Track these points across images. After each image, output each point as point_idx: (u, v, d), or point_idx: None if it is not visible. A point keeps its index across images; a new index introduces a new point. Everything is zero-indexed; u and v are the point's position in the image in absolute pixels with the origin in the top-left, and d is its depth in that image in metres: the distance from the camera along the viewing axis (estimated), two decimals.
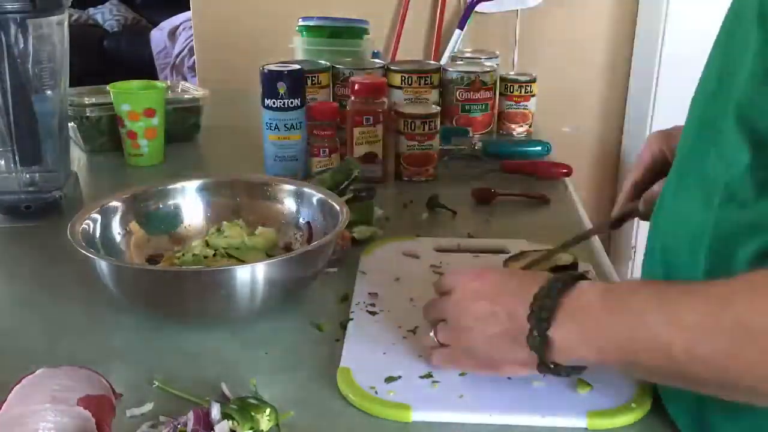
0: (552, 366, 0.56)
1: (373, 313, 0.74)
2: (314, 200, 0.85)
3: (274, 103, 1.10)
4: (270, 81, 1.10)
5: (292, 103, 1.10)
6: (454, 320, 0.61)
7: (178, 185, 0.88)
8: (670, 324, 0.48)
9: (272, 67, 1.11)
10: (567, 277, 0.56)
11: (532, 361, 0.56)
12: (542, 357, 0.55)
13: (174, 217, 0.87)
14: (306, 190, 0.87)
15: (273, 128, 1.11)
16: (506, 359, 0.59)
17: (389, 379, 0.63)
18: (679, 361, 0.48)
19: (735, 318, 0.45)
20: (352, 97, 1.13)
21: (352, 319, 0.73)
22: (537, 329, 0.54)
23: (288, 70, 1.10)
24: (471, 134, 1.32)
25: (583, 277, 0.57)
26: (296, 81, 1.11)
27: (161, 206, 0.87)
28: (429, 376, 0.63)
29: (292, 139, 1.12)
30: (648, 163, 0.78)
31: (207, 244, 0.84)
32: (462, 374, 0.64)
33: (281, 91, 1.10)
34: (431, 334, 0.64)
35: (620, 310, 0.52)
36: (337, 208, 0.80)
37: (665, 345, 0.48)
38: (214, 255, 0.82)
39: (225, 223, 0.86)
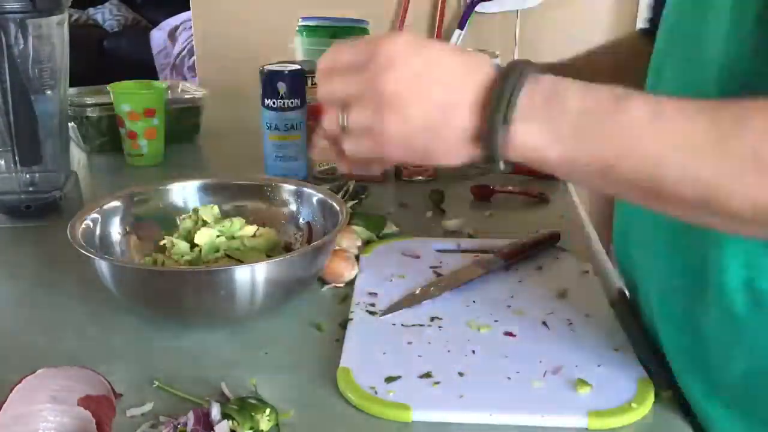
0: (497, 149, 0.47)
1: (373, 313, 0.74)
2: (314, 200, 0.85)
3: (274, 103, 1.10)
4: (270, 81, 1.10)
5: (292, 103, 1.10)
6: (379, 95, 0.47)
7: (179, 185, 0.88)
8: (667, 141, 0.43)
9: (272, 67, 1.11)
10: (525, 65, 0.48)
11: (477, 155, 0.48)
12: (495, 154, 0.47)
13: (174, 217, 0.87)
14: (306, 190, 0.87)
15: (273, 128, 1.11)
16: (444, 150, 0.49)
17: (389, 379, 0.63)
18: (666, 179, 0.43)
19: (748, 145, 0.41)
20: None
21: (351, 319, 0.73)
22: (493, 122, 0.46)
23: (288, 70, 1.10)
24: None
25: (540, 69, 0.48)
26: (296, 81, 1.11)
27: (161, 206, 0.87)
28: (429, 375, 0.63)
29: (292, 139, 1.12)
30: None
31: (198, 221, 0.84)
32: (461, 374, 0.64)
33: (281, 91, 1.09)
34: (336, 117, 0.49)
35: (604, 114, 0.45)
36: (337, 208, 0.80)
37: (656, 161, 0.43)
38: (217, 255, 0.82)
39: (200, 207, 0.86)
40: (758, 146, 0.41)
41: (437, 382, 0.63)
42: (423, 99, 0.47)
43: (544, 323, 0.72)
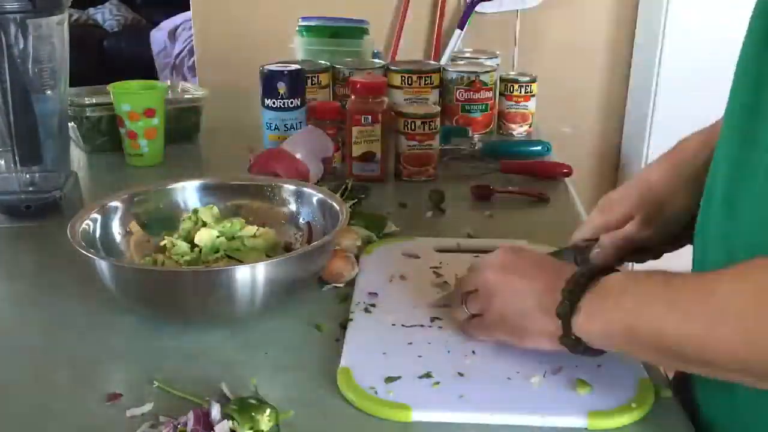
0: (574, 338, 0.59)
1: (373, 313, 0.74)
2: (314, 200, 0.85)
3: (273, 103, 1.10)
4: (270, 81, 1.10)
5: (291, 103, 1.10)
6: (488, 289, 0.66)
7: (179, 185, 0.88)
8: (667, 306, 0.53)
9: (272, 67, 1.11)
10: (601, 267, 0.61)
11: (557, 332, 0.60)
12: (567, 328, 0.59)
13: (174, 218, 0.87)
14: (306, 190, 0.87)
15: (273, 128, 1.11)
16: (534, 329, 0.62)
17: (389, 380, 0.63)
18: (669, 339, 0.53)
19: (715, 302, 0.50)
20: (352, 96, 1.13)
21: (352, 320, 0.72)
22: (568, 299, 0.59)
23: (288, 70, 1.10)
24: (471, 134, 1.32)
25: (614, 270, 0.60)
26: (296, 81, 1.11)
27: (161, 206, 0.87)
28: (429, 376, 0.63)
29: None
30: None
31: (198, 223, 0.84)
32: (461, 374, 0.63)
33: (281, 91, 1.10)
34: (463, 305, 0.68)
35: (632, 294, 0.56)
36: (337, 208, 0.80)
37: (659, 324, 0.53)
38: (217, 255, 0.82)
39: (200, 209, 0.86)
40: (724, 304, 0.50)
41: (437, 383, 0.62)
42: (513, 316, 0.65)
43: None
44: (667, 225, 0.72)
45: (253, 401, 0.58)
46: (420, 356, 0.66)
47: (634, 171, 2.26)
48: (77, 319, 0.76)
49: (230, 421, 0.55)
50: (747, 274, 0.50)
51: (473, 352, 0.67)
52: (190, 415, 0.56)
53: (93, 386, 0.64)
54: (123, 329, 0.73)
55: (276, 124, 1.11)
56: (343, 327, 0.72)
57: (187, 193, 0.88)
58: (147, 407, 0.60)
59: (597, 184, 2.35)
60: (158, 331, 0.72)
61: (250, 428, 0.55)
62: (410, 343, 0.69)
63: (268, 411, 0.57)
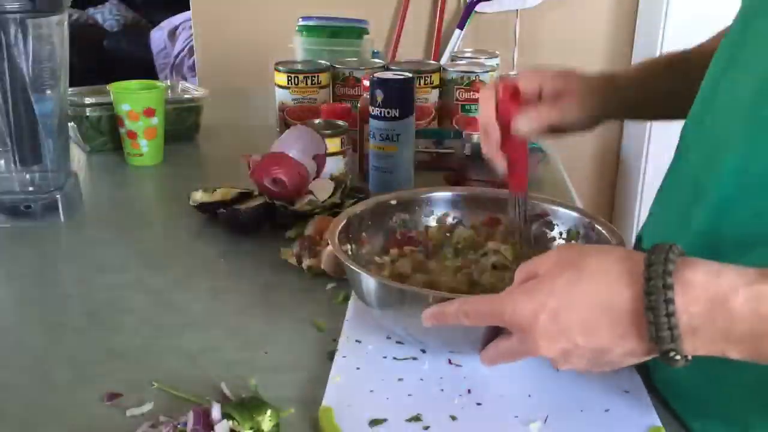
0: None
1: (362, 343, 0.69)
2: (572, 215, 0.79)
3: (372, 111, 1.02)
4: (371, 88, 1.02)
5: (389, 113, 1.02)
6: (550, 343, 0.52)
7: (434, 194, 0.83)
8: None
9: (379, 75, 1.03)
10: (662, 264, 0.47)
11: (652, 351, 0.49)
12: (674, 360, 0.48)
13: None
14: (561, 210, 0.80)
15: (372, 137, 1.05)
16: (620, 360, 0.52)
17: (374, 423, 0.58)
18: None
19: None
20: (365, 94, 1.12)
21: (338, 350, 0.67)
22: (662, 347, 0.48)
23: (383, 79, 1.02)
24: (464, 135, 1.32)
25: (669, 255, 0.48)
26: (395, 91, 1.02)
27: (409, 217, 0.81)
28: (418, 419, 0.58)
29: (388, 150, 1.05)
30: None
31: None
32: (454, 418, 0.58)
33: (378, 100, 1.02)
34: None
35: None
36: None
37: None
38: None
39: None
40: None
41: (427, 427, 0.57)
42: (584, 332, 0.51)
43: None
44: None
45: (253, 401, 0.58)
46: (410, 395, 0.61)
47: (633, 171, 2.26)
48: (77, 319, 0.76)
49: (230, 421, 0.55)
50: None
51: (468, 391, 0.62)
52: (190, 415, 0.56)
53: (93, 386, 0.64)
54: (123, 329, 0.73)
55: (373, 133, 1.03)
56: (330, 358, 0.67)
57: (434, 203, 0.83)
58: (147, 407, 0.60)
59: (596, 185, 2.36)
60: (158, 331, 0.73)
61: (251, 428, 0.55)
62: (401, 379, 0.63)
63: (268, 411, 0.57)
